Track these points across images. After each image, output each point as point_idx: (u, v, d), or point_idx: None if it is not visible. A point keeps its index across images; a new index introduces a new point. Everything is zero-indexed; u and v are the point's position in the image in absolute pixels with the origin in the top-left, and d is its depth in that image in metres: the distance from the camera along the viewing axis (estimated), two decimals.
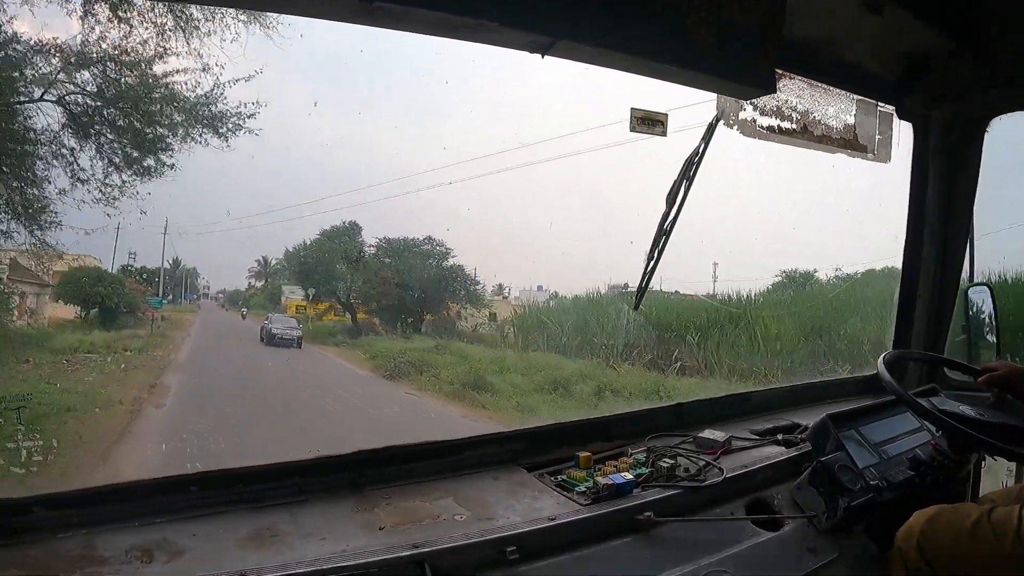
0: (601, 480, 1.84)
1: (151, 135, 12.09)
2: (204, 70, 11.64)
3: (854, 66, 2.59)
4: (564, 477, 1.94)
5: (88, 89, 11.43)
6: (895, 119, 2.83)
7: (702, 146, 2.36)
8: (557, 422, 2.23)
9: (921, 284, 3.00)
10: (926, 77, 2.63)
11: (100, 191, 11.60)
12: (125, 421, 11.42)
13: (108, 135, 11.76)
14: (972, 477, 2.68)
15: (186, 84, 11.82)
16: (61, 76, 11.07)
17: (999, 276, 8.42)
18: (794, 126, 2.52)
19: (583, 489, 1.85)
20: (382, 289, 30.87)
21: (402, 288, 31.00)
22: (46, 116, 11.04)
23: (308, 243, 33.96)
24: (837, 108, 2.65)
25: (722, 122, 2.36)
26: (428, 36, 1.55)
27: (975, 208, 2.93)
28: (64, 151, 11.24)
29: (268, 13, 9.88)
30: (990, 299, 2.88)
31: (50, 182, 11.24)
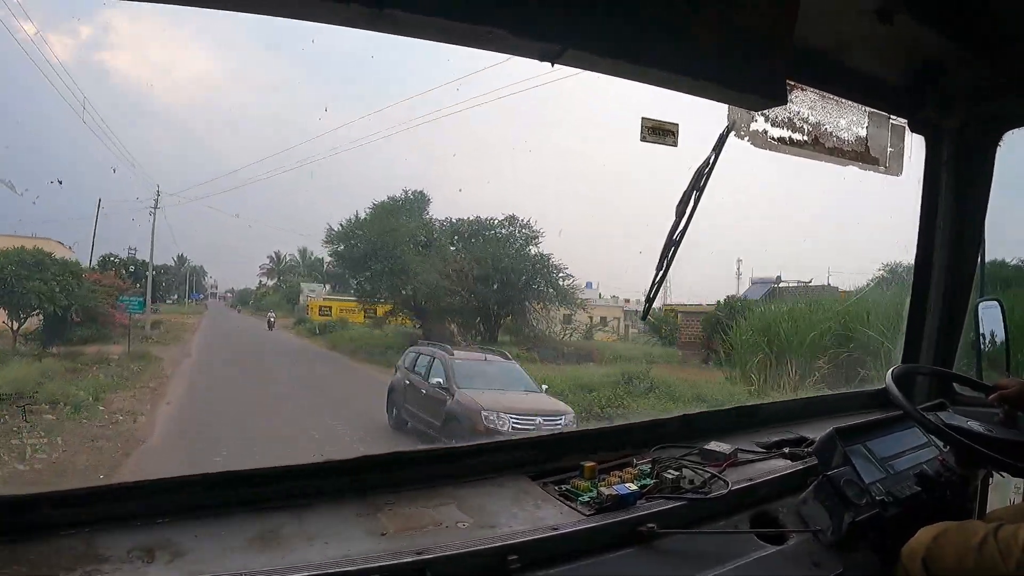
0: (605, 490, 1.83)
1: None
2: None
3: (865, 76, 2.58)
4: (568, 486, 1.93)
5: None
6: (907, 131, 2.82)
7: (713, 156, 2.35)
8: (563, 432, 2.23)
9: (931, 297, 2.98)
10: (938, 87, 2.62)
11: None
12: None
13: None
14: (979, 494, 2.65)
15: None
16: None
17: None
18: (805, 138, 2.51)
19: (587, 499, 1.84)
20: (457, 285, 25.10)
21: (479, 282, 25.34)
22: None
23: (357, 219, 27.37)
24: (849, 120, 2.64)
25: (733, 133, 2.36)
26: (439, 43, 1.56)
27: (987, 221, 2.92)
28: None
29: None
30: (1000, 314, 2.86)
31: None
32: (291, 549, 1.51)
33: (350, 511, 1.71)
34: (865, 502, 2.00)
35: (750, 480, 2.08)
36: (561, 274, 27.32)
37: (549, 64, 1.64)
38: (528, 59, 1.65)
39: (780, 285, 25.73)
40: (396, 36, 1.50)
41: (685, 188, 2.37)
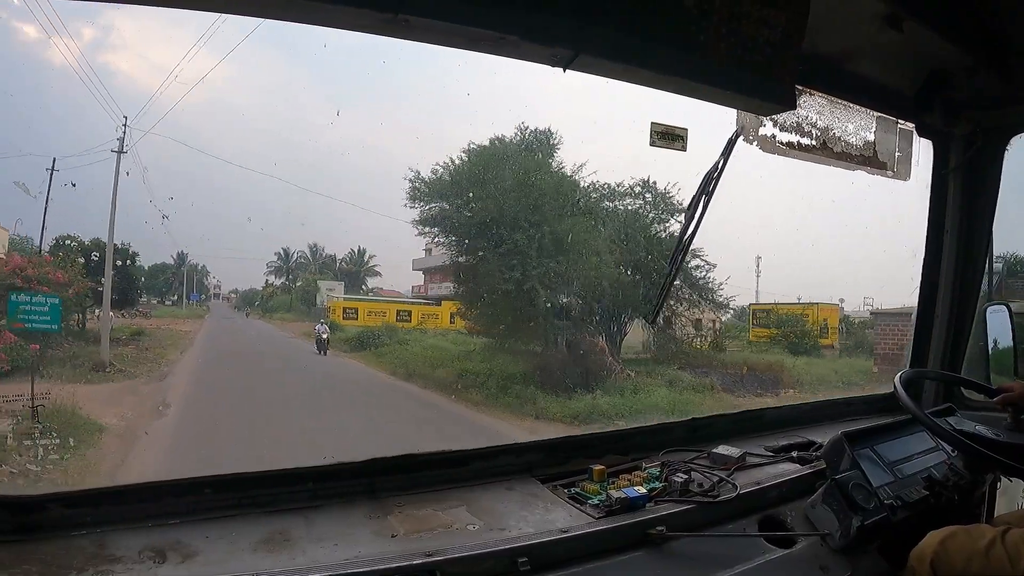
0: (614, 493, 1.84)
1: None
2: None
3: (874, 82, 2.58)
4: (577, 489, 1.93)
5: None
6: (915, 136, 2.82)
7: (721, 161, 2.36)
8: (572, 435, 2.23)
9: (939, 302, 2.98)
10: (946, 93, 2.62)
11: None
12: None
13: None
14: (987, 498, 2.65)
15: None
16: None
17: None
18: (814, 142, 2.51)
19: (596, 502, 1.84)
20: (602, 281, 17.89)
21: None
22: None
23: (464, 160, 18.85)
24: (857, 125, 2.64)
25: (742, 138, 2.36)
26: (452, 48, 1.57)
27: (994, 226, 2.92)
28: None
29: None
30: (1008, 318, 2.86)
31: None
32: (301, 551, 1.51)
33: (360, 513, 1.72)
34: (873, 506, 1.99)
35: (758, 484, 2.09)
36: (698, 262, 20.14)
37: (561, 69, 1.65)
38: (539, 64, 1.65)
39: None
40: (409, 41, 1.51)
41: (694, 193, 2.37)
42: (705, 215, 2.36)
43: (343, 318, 36.96)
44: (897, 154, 2.77)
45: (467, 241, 19.55)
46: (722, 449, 2.22)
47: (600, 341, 18.30)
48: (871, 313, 23.67)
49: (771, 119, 2.36)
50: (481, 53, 1.59)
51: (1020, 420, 2.31)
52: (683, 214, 2.43)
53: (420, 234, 20.90)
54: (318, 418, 13.08)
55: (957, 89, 2.60)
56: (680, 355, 20.04)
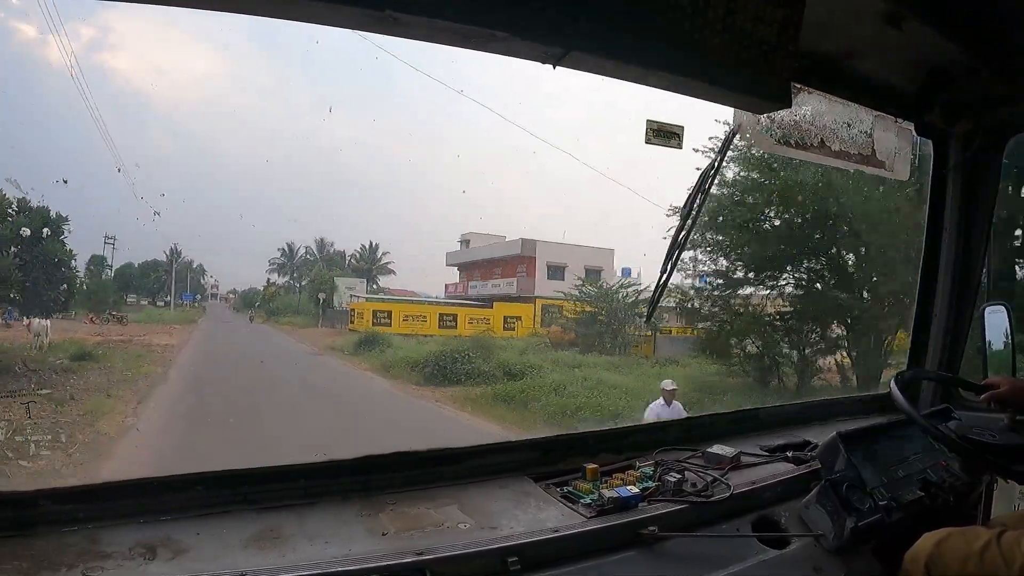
0: (607, 493, 1.84)
1: None
2: None
3: (872, 80, 2.57)
4: (570, 488, 1.93)
5: None
6: (913, 135, 2.81)
7: (718, 159, 2.35)
8: (566, 433, 2.23)
9: (937, 302, 2.97)
10: (946, 92, 2.61)
11: None
12: None
13: None
14: (983, 500, 2.64)
15: None
16: None
17: None
18: (812, 141, 2.51)
19: (588, 501, 1.84)
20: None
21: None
22: None
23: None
24: (855, 123, 2.63)
25: (738, 136, 2.35)
26: (442, 45, 1.57)
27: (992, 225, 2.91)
28: None
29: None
30: (1007, 318, 2.85)
31: None
32: (292, 548, 1.52)
33: (352, 510, 1.72)
34: (868, 507, 1.99)
35: (752, 484, 2.08)
36: None
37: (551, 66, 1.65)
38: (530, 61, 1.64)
39: None
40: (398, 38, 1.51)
41: (690, 190, 2.37)
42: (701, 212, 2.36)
43: (373, 323, 32.09)
44: (896, 153, 2.77)
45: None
46: (716, 449, 2.22)
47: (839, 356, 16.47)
48: None
49: (768, 117, 2.35)
50: (471, 50, 1.58)
51: (1017, 421, 2.30)
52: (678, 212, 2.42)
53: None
54: None
55: (957, 88, 2.59)
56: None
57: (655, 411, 11.33)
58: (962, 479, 2.18)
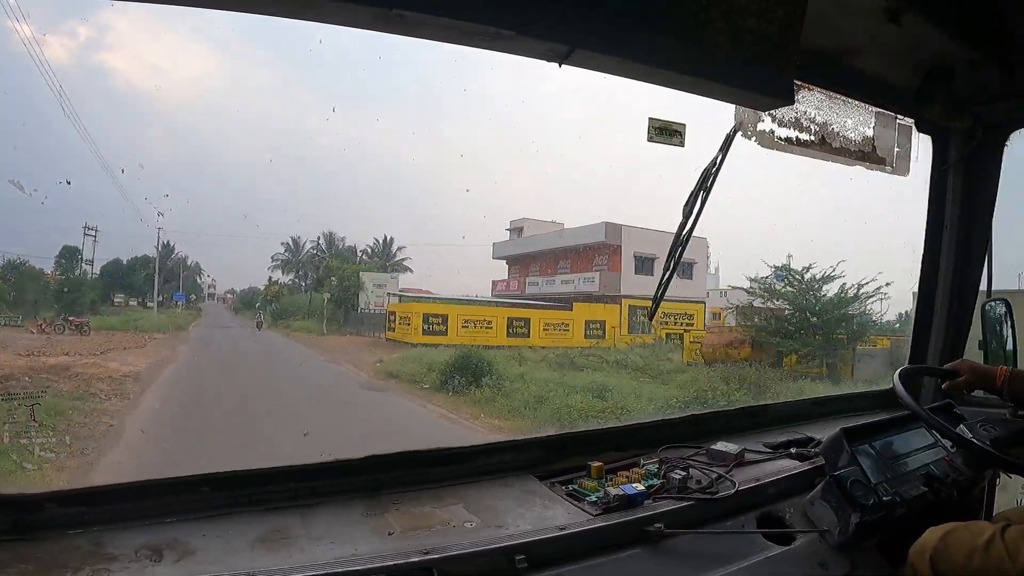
0: (612, 490, 1.84)
1: None
2: None
3: (873, 77, 2.57)
4: (575, 486, 1.93)
5: None
6: (914, 131, 2.82)
7: (720, 157, 2.35)
8: (570, 431, 2.23)
9: (938, 297, 2.98)
10: (946, 88, 2.61)
11: None
12: None
13: None
14: (986, 494, 2.65)
15: None
16: None
17: None
18: (812, 138, 2.51)
19: (594, 499, 1.84)
20: None
21: None
22: None
23: None
24: (856, 120, 2.64)
25: (740, 133, 2.36)
26: (447, 44, 1.57)
27: (993, 221, 2.91)
28: None
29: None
30: (1008, 313, 2.85)
31: None
32: (298, 549, 1.51)
33: (357, 510, 1.72)
34: (872, 502, 1.99)
35: (757, 480, 2.08)
36: None
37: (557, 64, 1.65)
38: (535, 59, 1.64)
39: None
40: (404, 37, 1.50)
41: (692, 188, 2.37)
42: (703, 211, 2.35)
43: (423, 333, 25.43)
44: (896, 149, 2.77)
45: None
46: (721, 445, 2.22)
47: None
48: None
49: (770, 114, 2.36)
50: (477, 48, 1.58)
51: (1019, 415, 2.31)
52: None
53: None
54: None
55: (957, 84, 2.59)
56: None
57: None
58: (965, 474, 2.18)
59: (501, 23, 1.48)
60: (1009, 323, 2.84)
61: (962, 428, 2.18)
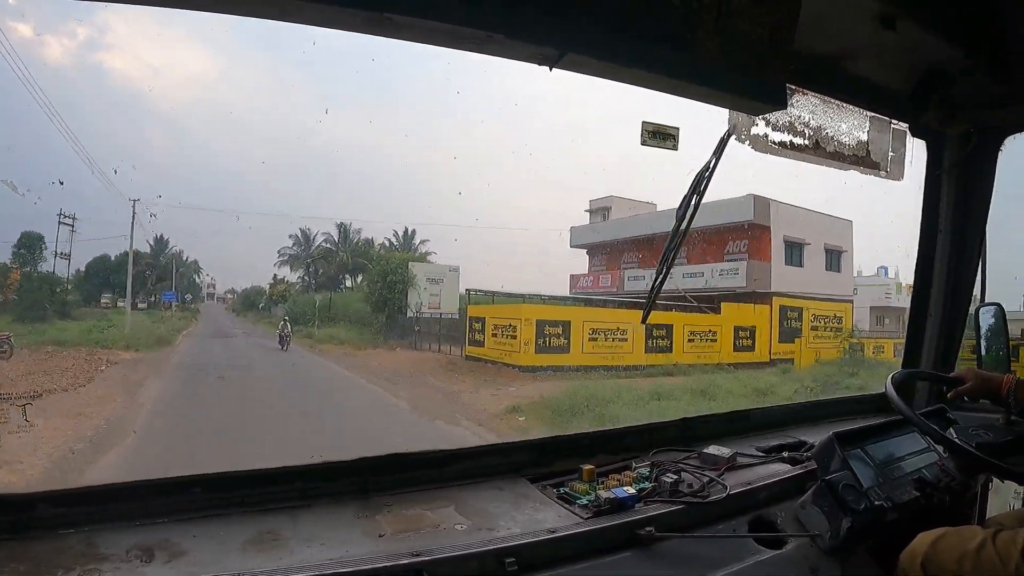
0: (603, 493, 1.84)
1: None
2: None
3: (867, 82, 2.58)
4: (566, 489, 1.93)
5: None
6: (908, 136, 2.82)
7: (713, 161, 2.36)
8: (562, 434, 2.23)
9: (932, 302, 2.98)
10: (940, 93, 2.61)
11: None
12: None
13: None
14: (979, 499, 2.65)
15: None
16: None
17: None
18: (806, 142, 2.51)
19: (585, 502, 1.84)
20: None
21: None
22: None
23: None
24: (850, 124, 2.64)
25: (734, 137, 2.36)
26: (439, 47, 1.57)
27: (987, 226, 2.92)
28: None
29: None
30: (1001, 318, 2.86)
31: None
32: (289, 550, 1.52)
33: (348, 512, 1.72)
34: (864, 507, 1.99)
35: (749, 484, 2.08)
36: None
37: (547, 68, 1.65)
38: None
39: None
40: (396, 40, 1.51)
41: (685, 192, 2.37)
42: (696, 215, 2.36)
43: (538, 347, 18.13)
44: (890, 154, 2.77)
45: None
46: (713, 449, 2.23)
47: None
48: None
49: (763, 118, 2.36)
50: (468, 52, 1.59)
51: (1012, 420, 2.31)
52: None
53: None
54: None
55: (952, 89, 2.60)
56: None
57: None
58: (958, 479, 2.18)
59: (492, 27, 1.49)
60: (1003, 328, 2.85)
61: (953, 433, 2.18)
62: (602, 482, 1.96)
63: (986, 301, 2.93)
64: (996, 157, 2.84)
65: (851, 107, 2.62)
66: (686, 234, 2.41)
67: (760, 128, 2.38)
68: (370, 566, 1.45)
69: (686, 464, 2.16)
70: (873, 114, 2.70)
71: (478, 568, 1.54)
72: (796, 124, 2.46)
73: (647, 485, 1.96)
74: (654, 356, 19.32)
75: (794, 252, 26.89)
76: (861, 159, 2.69)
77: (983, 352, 2.84)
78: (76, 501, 1.53)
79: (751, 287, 25.41)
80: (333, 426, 11.78)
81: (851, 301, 27.95)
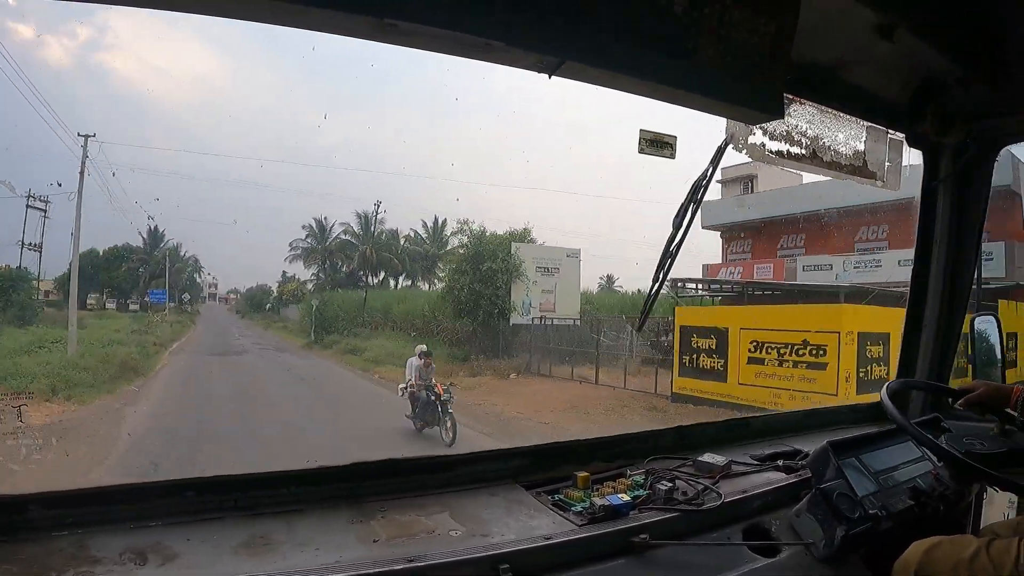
0: (598, 501, 1.84)
1: None
2: None
3: (864, 92, 2.59)
4: (561, 496, 1.93)
5: None
6: (905, 146, 2.83)
7: (710, 169, 2.36)
8: (557, 441, 2.23)
9: (927, 311, 2.99)
10: (937, 103, 2.62)
11: None
12: None
13: None
14: (973, 508, 2.65)
15: None
16: None
17: None
18: (803, 151, 2.51)
19: (579, 509, 1.84)
20: None
21: None
22: None
23: None
24: (847, 134, 2.64)
25: (731, 146, 2.37)
26: (439, 54, 1.58)
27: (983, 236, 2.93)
28: None
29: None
30: (996, 328, 2.87)
31: None
32: (282, 555, 1.51)
33: (343, 518, 1.71)
34: (858, 516, 1.99)
35: (743, 492, 2.08)
36: None
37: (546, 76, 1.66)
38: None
39: None
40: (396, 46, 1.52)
41: (682, 201, 2.37)
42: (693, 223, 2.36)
43: (860, 387, 12.55)
44: (887, 164, 2.78)
45: None
46: (707, 457, 2.22)
47: None
48: None
49: (761, 127, 2.37)
50: (467, 59, 1.59)
51: (1007, 430, 2.32)
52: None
53: None
54: None
55: (948, 99, 2.61)
56: None
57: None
58: (952, 488, 2.19)
59: (492, 34, 1.49)
60: (998, 338, 2.86)
61: (948, 442, 2.18)
62: (597, 489, 1.96)
63: (981, 311, 2.94)
64: (992, 167, 2.85)
65: (848, 117, 2.63)
66: (682, 243, 2.42)
67: (758, 137, 2.38)
68: (364, 571, 1.45)
69: (681, 472, 2.16)
70: (870, 124, 2.71)
71: (473, 574, 1.54)
72: (793, 133, 2.46)
73: (642, 493, 1.96)
74: None
75: None
76: (858, 169, 2.70)
77: (978, 361, 2.84)
78: (68, 503, 1.52)
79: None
80: None
81: None
